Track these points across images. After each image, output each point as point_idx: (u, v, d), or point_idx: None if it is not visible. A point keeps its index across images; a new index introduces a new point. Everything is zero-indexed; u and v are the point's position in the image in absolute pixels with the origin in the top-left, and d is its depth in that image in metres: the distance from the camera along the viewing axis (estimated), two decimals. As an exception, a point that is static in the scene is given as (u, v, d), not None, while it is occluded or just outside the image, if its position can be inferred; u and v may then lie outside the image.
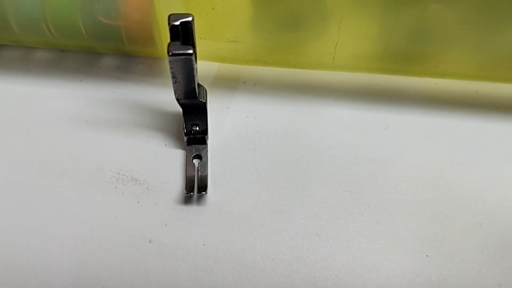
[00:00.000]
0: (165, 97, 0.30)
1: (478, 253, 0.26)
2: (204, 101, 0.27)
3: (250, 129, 0.29)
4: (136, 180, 0.28)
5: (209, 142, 0.29)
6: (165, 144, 0.29)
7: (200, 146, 0.28)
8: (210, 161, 0.28)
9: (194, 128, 0.28)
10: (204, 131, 0.28)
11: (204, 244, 0.26)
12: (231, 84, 0.31)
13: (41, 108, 0.30)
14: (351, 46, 0.28)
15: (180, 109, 0.28)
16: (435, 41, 0.27)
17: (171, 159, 0.28)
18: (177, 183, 0.28)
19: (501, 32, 0.27)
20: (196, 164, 0.28)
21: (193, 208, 0.27)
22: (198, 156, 0.28)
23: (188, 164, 0.28)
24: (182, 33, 0.23)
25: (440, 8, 0.25)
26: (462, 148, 0.29)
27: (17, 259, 0.25)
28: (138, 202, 0.27)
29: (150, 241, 0.26)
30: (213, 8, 0.26)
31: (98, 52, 0.32)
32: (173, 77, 0.24)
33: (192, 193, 0.26)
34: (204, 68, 0.31)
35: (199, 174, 0.27)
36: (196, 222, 0.26)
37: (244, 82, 0.31)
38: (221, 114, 0.30)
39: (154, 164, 0.28)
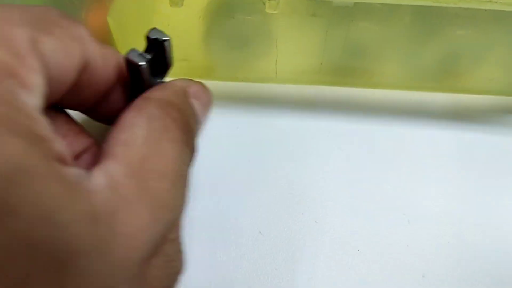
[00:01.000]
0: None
1: (404, 247, 0.29)
2: None
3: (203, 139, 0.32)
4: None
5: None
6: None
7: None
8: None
9: None
10: None
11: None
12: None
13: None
14: (290, 62, 0.31)
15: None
16: (365, 56, 0.30)
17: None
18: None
19: (423, 47, 0.30)
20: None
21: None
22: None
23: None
24: (158, 50, 0.23)
25: (363, 26, 0.28)
26: (396, 152, 0.32)
27: None
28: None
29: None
30: (161, 32, 0.29)
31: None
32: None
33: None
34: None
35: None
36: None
37: (200, 96, 0.34)
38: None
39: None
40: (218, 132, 0.33)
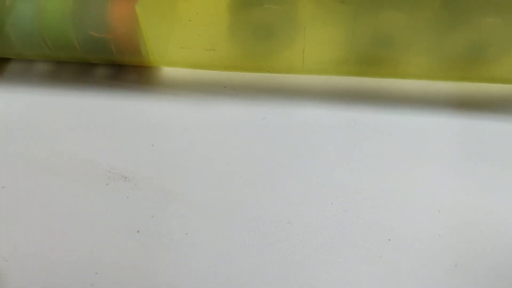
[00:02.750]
0: (152, 102, 0.33)
1: (436, 236, 0.28)
2: None
3: (221, 129, 0.32)
4: (125, 177, 0.31)
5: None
6: (152, 145, 0.32)
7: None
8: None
9: None
10: None
11: (186, 233, 0.29)
12: (214, 89, 0.34)
13: (41, 114, 0.33)
14: (317, 52, 0.31)
15: (169, 111, 0.31)
16: (391, 45, 0.30)
17: (157, 158, 0.31)
18: (163, 180, 0.30)
19: (451, 35, 0.30)
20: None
21: (176, 202, 0.30)
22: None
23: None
24: None
25: (391, 14, 0.28)
26: (423, 143, 0.32)
27: (17, 251, 0.28)
28: (127, 197, 0.30)
29: (138, 231, 0.29)
30: (189, 20, 0.29)
31: (92, 63, 0.35)
32: None
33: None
34: (187, 74, 0.34)
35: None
36: (179, 214, 0.29)
37: (225, 87, 0.34)
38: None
39: (143, 162, 0.31)
40: (245, 122, 0.33)
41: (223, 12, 0.29)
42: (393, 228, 0.29)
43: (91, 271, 0.27)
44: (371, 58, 0.32)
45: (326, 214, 0.29)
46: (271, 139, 0.32)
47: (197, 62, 0.33)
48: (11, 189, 0.30)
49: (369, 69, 0.33)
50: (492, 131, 0.32)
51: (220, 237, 0.28)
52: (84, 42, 0.32)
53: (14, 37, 0.32)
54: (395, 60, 0.32)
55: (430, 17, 0.29)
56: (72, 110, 0.33)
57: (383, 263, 0.28)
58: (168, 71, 0.35)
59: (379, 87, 0.34)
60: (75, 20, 0.31)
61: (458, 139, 0.32)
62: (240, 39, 0.31)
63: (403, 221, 0.29)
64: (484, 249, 0.28)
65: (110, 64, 0.35)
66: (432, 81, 0.33)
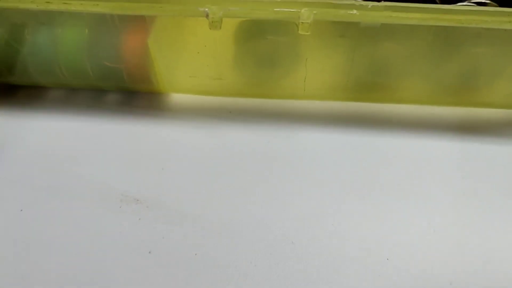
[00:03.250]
0: (162, 127, 0.35)
1: (432, 255, 0.30)
2: None
3: (228, 152, 0.34)
4: (137, 200, 0.32)
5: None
6: (162, 168, 0.34)
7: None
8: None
9: None
10: None
11: (195, 254, 0.30)
12: (220, 114, 0.36)
13: (56, 141, 0.35)
14: (318, 80, 0.33)
15: (178, 135, 0.33)
16: (389, 73, 0.32)
17: (168, 181, 0.33)
18: (173, 202, 0.32)
19: (444, 64, 0.31)
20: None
21: (186, 224, 0.31)
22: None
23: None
24: None
25: (388, 45, 0.30)
26: (419, 165, 0.33)
27: (35, 271, 0.30)
28: (140, 219, 0.31)
29: (149, 252, 0.30)
30: (198, 52, 0.31)
31: (104, 89, 0.37)
32: None
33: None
34: (195, 100, 0.36)
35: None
36: (189, 235, 0.31)
37: (230, 112, 0.36)
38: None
39: (154, 186, 0.33)
40: (249, 146, 0.34)
41: (229, 44, 0.31)
42: (391, 248, 0.30)
43: (105, 290, 0.29)
44: (369, 85, 0.34)
45: (327, 235, 0.31)
46: (275, 162, 0.34)
47: (205, 89, 0.35)
48: (29, 212, 0.32)
49: (368, 95, 0.35)
50: (486, 154, 0.34)
51: (228, 257, 0.30)
52: (98, 71, 0.34)
53: (31, 67, 0.34)
54: (392, 86, 0.34)
55: (424, 48, 0.31)
56: (86, 135, 0.35)
57: (383, 281, 0.29)
58: (177, 97, 0.36)
59: (377, 112, 0.35)
60: (90, 51, 0.33)
61: (454, 160, 0.33)
62: (245, 69, 0.33)
63: (401, 241, 0.30)
64: (479, 269, 0.29)
65: (122, 91, 0.37)
66: (428, 106, 0.35)
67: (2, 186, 0.33)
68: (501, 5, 0.34)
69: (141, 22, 0.30)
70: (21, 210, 0.32)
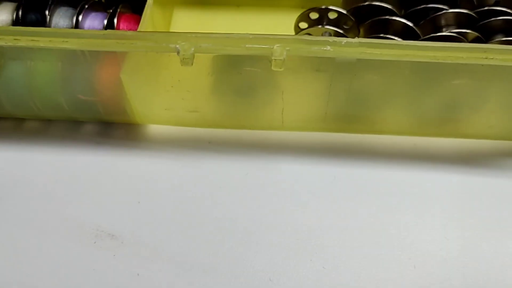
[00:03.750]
0: (138, 158, 0.35)
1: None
2: None
3: (206, 184, 0.34)
4: (113, 235, 0.32)
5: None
6: (138, 202, 0.33)
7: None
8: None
9: None
10: None
11: (171, 291, 0.29)
12: (198, 144, 0.35)
13: (30, 173, 0.34)
14: (296, 111, 0.33)
15: (155, 167, 0.32)
16: (367, 105, 0.32)
17: (144, 215, 0.32)
18: (149, 237, 0.31)
19: (423, 96, 0.31)
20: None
21: (162, 260, 0.31)
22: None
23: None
24: None
25: (366, 78, 0.29)
26: (400, 197, 0.33)
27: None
28: (114, 255, 0.31)
29: (124, 290, 0.30)
30: (172, 87, 0.31)
31: (80, 120, 0.36)
32: None
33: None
34: (173, 131, 0.36)
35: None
36: (165, 271, 0.30)
37: (209, 143, 0.35)
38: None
39: (130, 220, 0.32)
40: (228, 177, 0.34)
41: (204, 77, 0.31)
42: (371, 284, 0.30)
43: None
44: (348, 117, 0.33)
45: (305, 271, 0.30)
46: (253, 194, 0.33)
47: (182, 121, 0.34)
48: (2, 246, 0.31)
49: (347, 126, 0.34)
50: (467, 183, 0.33)
51: (204, 295, 0.29)
52: (72, 104, 0.33)
53: (4, 98, 0.34)
54: (371, 118, 0.33)
55: (402, 80, 0.30)
56: (60, 168, 0.34)
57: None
58: (154, 128, 0.36)
59: (357, 143, 0.35)
60: (63, 85, 0.32)
61: (435, 192, 0.33)
62: (222, 100, 0.33)
63: (382, 277, 0.30)
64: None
65: (98, 121, 0.36)
66: (409, 136, 0.35)
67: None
68: (480, 33, 0.34)
69: (113, 57, 0.29)
70: (-7, 247, 0.31)
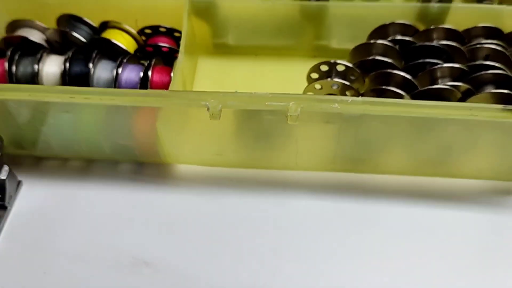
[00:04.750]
0: (169, 194, 0.39)
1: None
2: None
3: (228, 217, 0.38)
4: (147, 263, 0.36)
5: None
6: (169, 233, 0.37)
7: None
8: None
9: None
10: None
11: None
12: (222, 182, 0.40)
13: (73, 206, 0.39)
14: (308, 154, 0.37)
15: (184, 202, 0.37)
16: (371, 150, 0.36)
17: (175, 245, 0.37)
18: (179, 264, 0.36)
19: (420, 141, 0.35)
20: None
21: (191, 282, 0.35)
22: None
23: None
24: None
25: (369, 128, 0.34)
26: (396, 229, 0.37)
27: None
28: (149, 281, 0.35)
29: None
30: (200, 135, 0.36)
31: (118, 160, 0.41)
32: None
33: None
34: (199, 170, 0.40)
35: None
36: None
37: (231, 181, 0.40)
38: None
39: (162, 249, 0.37)
40: (248, 211, 0.38)
41: (229, 127, 0.35)
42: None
43: None
44: (354, 159, 0.38)
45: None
46: (270, 227, 0.37)
47: (208, 162, 0.39)
48: (51, 274, 0.36)
49: (354, 167, 0.38)
50: (460, 219, 0.37)
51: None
52: (112, 147, 0.38)
53: (53, 142, 0.39)
54: (375, 160, 0.38)
55: (401, 130, 0.35)
56: (100, 203, 0.39)
57: None
58: (183, 168, 0.41)
59: (363, 181, 0.39)
60: (105, 132, 0.37)
61: (431, 225, 0.37)
62: (244, 145, 0.37)
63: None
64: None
65: (134, 162, 0.41)
66: (409, 176, 0.39)
67: (28, 250, 0.37)
68: (472, 85, 0.39)
69: (151, 110, 0.34)
70: (44, 273, 0.36)
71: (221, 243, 0.37)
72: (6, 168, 0.38)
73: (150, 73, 0.40)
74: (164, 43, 0.43)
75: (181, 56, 0.39)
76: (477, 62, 0.40)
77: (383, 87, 0.39)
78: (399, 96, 0.37)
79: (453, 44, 0.40)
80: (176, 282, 0.35)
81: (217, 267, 0.36)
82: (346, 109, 0.32)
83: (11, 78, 0.40)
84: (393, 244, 0.36)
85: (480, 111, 0.31)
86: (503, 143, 0.35)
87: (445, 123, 0.33)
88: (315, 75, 0.42)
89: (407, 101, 0.31)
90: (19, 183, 0.40)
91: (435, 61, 0.40)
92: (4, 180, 0.37)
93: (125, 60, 0.41)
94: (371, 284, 0.35)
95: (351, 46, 0.42)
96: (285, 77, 0.46)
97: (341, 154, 0.37)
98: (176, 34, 0.44)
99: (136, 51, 0.44)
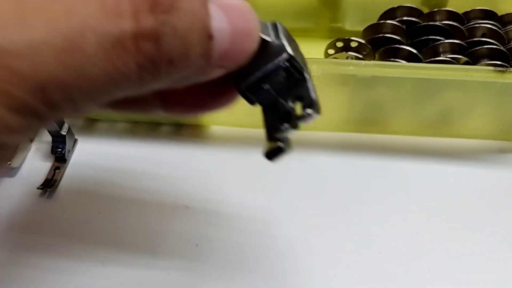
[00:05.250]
0: (204, 152, 0.45)
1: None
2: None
3: (258, 173, 0.44)
4: (187, 206, 0.42)
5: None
6: (205, 183, 0.43)
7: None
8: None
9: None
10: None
11: (232, 247, 0.39)
12: (250, 142, 0.46)
13: (122, 162, 0.45)
14: (326, 116, 0.43)
15: (217, 159, 0.43)
16: (381, 111, 0.42)
17: (210, 192, 0.43)
18: (214, 207, 0.42)
19: (424, 104, 0.41)
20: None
21: (226, 221, 0.41)
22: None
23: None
24: None
25: (379, 90, 0.40)
26: (402, 184, 0.42)
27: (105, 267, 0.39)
28: (188, 220, 0.41)
29: (197, 245, 0.40)
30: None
31: (159, 122, 0.47)
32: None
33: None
34: (230, 131, 0.46)
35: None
36: (227, 228, 0.40)
37: (258, 141, 0.46)
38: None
39: (198, 195, 0.42)
40: (274, 167, 0.44)
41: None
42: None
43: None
44: (366, 120, 0.43)
45: (368, 259, 0.40)
46: (292, 182, 0.43)
47: (239, 122, 0.45)
48: (105, 214, 0.42)
49: (366, 127, 0.44)
50: (459, 175, 0.43)
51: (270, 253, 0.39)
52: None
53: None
54: (384, 121, 0.43)
55: (407, 92, 0.41)
56: (143, 159, 0.45)
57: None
58: (216, 128, 0.47)
59: (374, 141, 0.45)
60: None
61: (433, 180, 0.43)
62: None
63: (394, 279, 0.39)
64: None
65: (173, 123, 0.47)
66: (414, 136, 0.45)
67: (84, 195, 0.43)
68: (470, 58, 0.44)
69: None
70: (99, 213, 0.42)
71: (246, 198, 0.42)
72: (66, 125, 0.44)
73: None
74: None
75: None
76: (475, 39, 0.45)
77: (391, 59, 0.45)
78: (406, 67, 0.43)
79: (454, 24, 0.46)
80: (210, 223, 0.41)
81: (240, 214, 0.42)
82: (359, 71, 0.37)
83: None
84: (395, 195, 0.42)
85: (475, 71, 0.37)
86: (497, 104, 0.40)
87: (445, 86, 0.39)
88: (331, 51, 0.48)
89: (412, 64, 0.37)
90: (75, 141, 0.46)
91: (438, 38, 0.46)
92: (64, 135, 0.44)
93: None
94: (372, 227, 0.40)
95: (362, 28, 0.48)
96: (304, 56, 0.51)
97: (354, 116, 0.43)
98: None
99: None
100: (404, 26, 0.47)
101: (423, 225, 0.40)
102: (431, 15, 0.48)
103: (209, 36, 0.17)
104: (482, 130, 0.43)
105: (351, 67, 0.37)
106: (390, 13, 0.48)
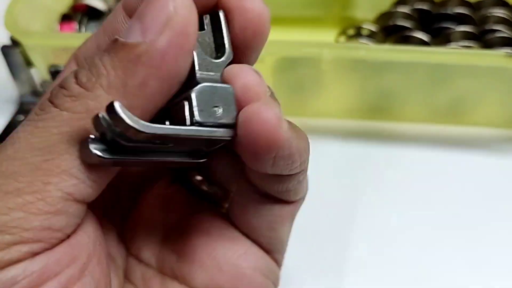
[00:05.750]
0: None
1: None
2: None
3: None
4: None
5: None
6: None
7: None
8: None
9: None
10: None
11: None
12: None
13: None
14: (337, 103, 0.43)
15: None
16: (392, 98, 0.42)
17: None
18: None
19: (435, 91, 0.41)
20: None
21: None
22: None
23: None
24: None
25: (391, 77, 0.40)
26: (410, 170, 0.42)
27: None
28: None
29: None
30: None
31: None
32: None
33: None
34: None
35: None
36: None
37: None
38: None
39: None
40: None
41: (268, 76, 0.41)
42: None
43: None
44: (377, 107, 0.43)
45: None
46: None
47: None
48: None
49: (377, 115, 0.44)
50: (471, 164, 0.42)
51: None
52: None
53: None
54: (395, 109, 0.43)
55: (419, 78, 0.40)
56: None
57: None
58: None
59: (385, 129, 0.45)
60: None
61: (444, 168, 0.42)
62: (280, 94, 0.43)
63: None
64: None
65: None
66: (425, 124, 0.44)
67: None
68: (481, 46, 0.44)
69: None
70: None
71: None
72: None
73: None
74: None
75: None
76: (487, 28, 0.45)
77: (403, 47, 0.44)
78: (417, 54, 0.43)
79: (466, 12, 0.46)
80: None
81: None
82: (370, 56, 0.37)
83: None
84: (405, 181, 0.41)
85: (485, 56, 0.36)
86: (509, 91, 0.40)
87: (457, 73, 0.39)
88: (342, 39, 0.48)
89: (424, 48, 0.37)
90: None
91: (450, 26, 0.45)
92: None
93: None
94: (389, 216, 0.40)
95: (374, 16, 0.48)
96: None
97: (365, 103, 0.43)
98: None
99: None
100: (416, 15, 0.47)
101: (434, 213, 0.40)
102: (443, 3, 0.48)
103: None
104: (495, 118, 0.43)
105: (363, 51, 0.37)
106: (402, 2, 0.48)
